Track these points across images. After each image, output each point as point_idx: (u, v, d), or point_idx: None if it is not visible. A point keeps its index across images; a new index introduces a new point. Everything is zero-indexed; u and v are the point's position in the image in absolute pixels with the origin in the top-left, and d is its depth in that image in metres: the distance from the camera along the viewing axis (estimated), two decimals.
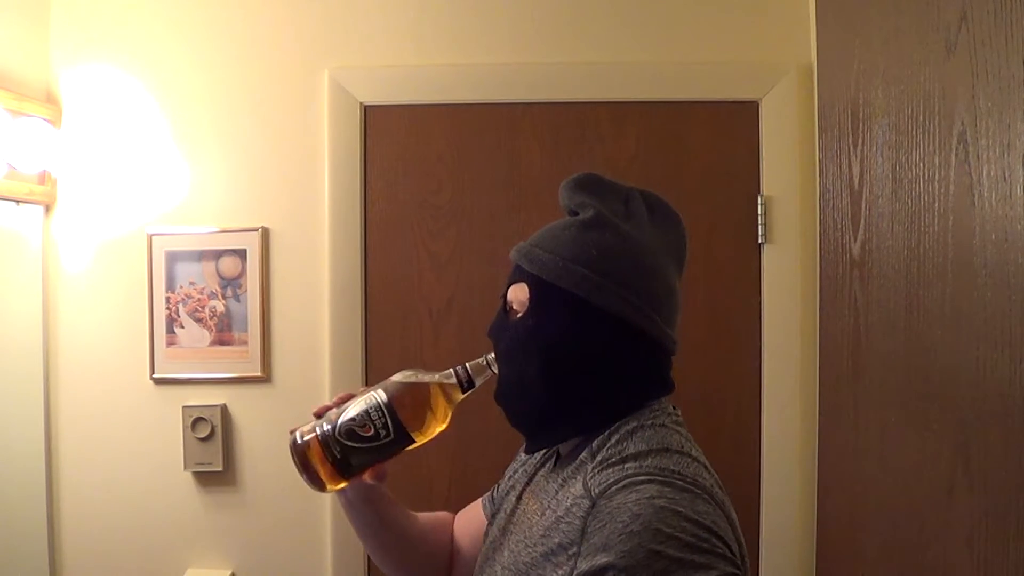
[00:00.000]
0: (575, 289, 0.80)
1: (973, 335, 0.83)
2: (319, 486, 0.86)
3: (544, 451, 0.94)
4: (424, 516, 1.09)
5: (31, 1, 1.55)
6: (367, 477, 0.87)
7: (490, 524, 0.97)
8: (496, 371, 0.87)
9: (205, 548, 1.58)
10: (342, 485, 0.87)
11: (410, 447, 0.86)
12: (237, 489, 1.58)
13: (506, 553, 0.84)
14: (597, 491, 0.74)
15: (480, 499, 1.10)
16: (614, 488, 0.73)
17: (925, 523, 0.94)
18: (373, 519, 0.98)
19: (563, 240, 0.84)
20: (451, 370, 0.87)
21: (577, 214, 0.87)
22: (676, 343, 0.85)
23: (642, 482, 0.73)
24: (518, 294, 0.85)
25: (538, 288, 0.83)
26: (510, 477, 1.00)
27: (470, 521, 1.09)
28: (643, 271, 0.83)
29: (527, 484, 0.93)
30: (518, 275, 0.86)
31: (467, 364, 0.87)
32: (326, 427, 0.85)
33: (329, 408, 0.89)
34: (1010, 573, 0.76)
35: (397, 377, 0.88)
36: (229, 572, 1.56)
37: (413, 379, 0.87)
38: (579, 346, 0.81)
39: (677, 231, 0.90)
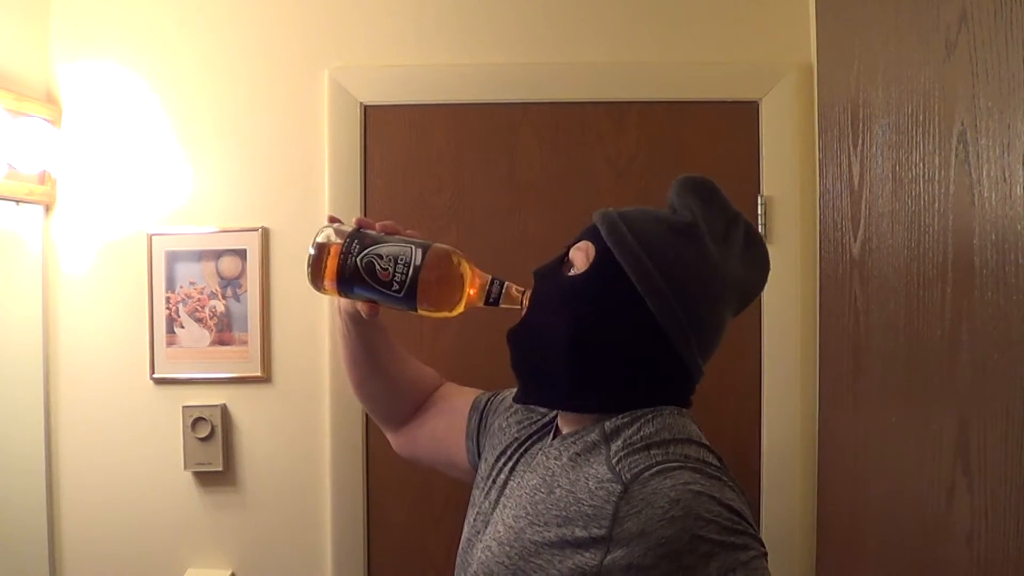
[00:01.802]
0: (636, 282, 0.80)
1: (973, 335, 0.83)
2: (316, 285, 0.87)
3: (541, 424, 0.94)
4: (414, 365, 1.11)
5: (31, 1, 1.55)
6: (360, 306, 0.89)
7: (477, 490, 0.96)
8: (524, 309, 0.85)
9: (205, 548, 1.58)
10: (335, 296, 0.90)
11: (408, 311, 0.86)
12: (237, 489, 1.58)
13: (501, 528, 0.82)
14: (629, 476, 0.74)
15: (476, 392, 1.09)
16: (647, 474, 0.73)
17: (925, 522, 0.94)
18: (356, 336, 1.00)
19: (649, 231, 0.82)
20: (489, 277, 0.86)
21: (676, 212, 0.86)
22: (703, 374, 0.85)
23: (674, 468, 0.73)
24: (582, 253, 0.84)
25: (603, 259, 0.82)
26: (501, 430, 0.98)
27: (453, 403, 1.10)
28: (706, 298, 0.82)
29: (521, 455, 0.91)
30: (591, 237, 0.84)
31: (504, 284, 0.85)
32: (355, 246, 0.85)
33: (371, 228, 0.89)
34: (1010, 573, 0.76)
35: (440, 250, 0.86)
36: (229, 572, 1.57)
37: (453, 264, 0.86)
38: (611, 333, 0.81)
39: (760, 275, 0.89)
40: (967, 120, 0.83)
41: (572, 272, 0.84)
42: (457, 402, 1.09)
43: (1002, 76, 0.77)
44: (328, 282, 0.86)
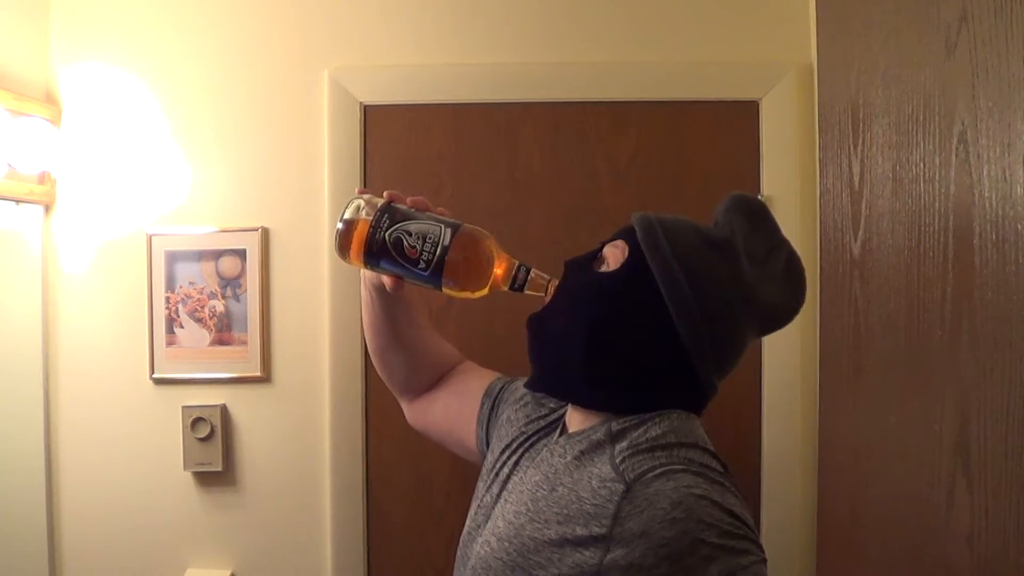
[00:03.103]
0: (664, 289, 0.79)
1: (973, 335, 0.83)
2: (343, 256, 0.88)
3: (549, 420, 0.93)
4: (435, 339, 1.12)
5: (31, 1, 1.55)
6: (385, 280, 0.89)
7: (481, 482, 0.96)
8: (548, 298, 0.85)
9: (205, 548, 1.58)
10: (360, 267, 0.90)
11: (432, 289, 0.86)
12: (237, 489, 1.58)
13: (501, 524, 0.82)
14: (632, 476, 0.74)
15: (493, 376, 1.09)
16: (650, 475, 0.73)
17: (925, 523, 0.94)
18: (379, 307, 1.01)
19: (684, 240, 0.82)
20: (517, 263, 0.86)
21: (717, 226, 0.86)
22: (716, 391, 0.85)
23: (677, 471, 0.74)
24: (615, 252, 0.84)
25: (634, 262, 0.81)
26: (509, 422, 0.97)
27: (468, 384, 1.10)
28: (730, 317, 0.81)
29: (526, 450, 0.91)
30: (627, 238, 0.84)
31: (532, 271, 0.85)
32: (385, 221, 0.85)
33: (402, 202, 0.89)
34: (1010, 573, 0.76)
35: (470, 231, 0.86)
36: (229, 572, 1.57)
37: (481, 246, 0.86)
38: (631, 335, 0.80)
39: (792, 305, 0.88)
40: (967, 120, 0.83)
41: (603, 269, 0.84)
42: (472, 384, 1.09)
43: (1002, 76, 0.77)
44: (355, 254, 0.87)
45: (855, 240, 1.15)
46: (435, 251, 0.83)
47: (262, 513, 1.57)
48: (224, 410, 1.57)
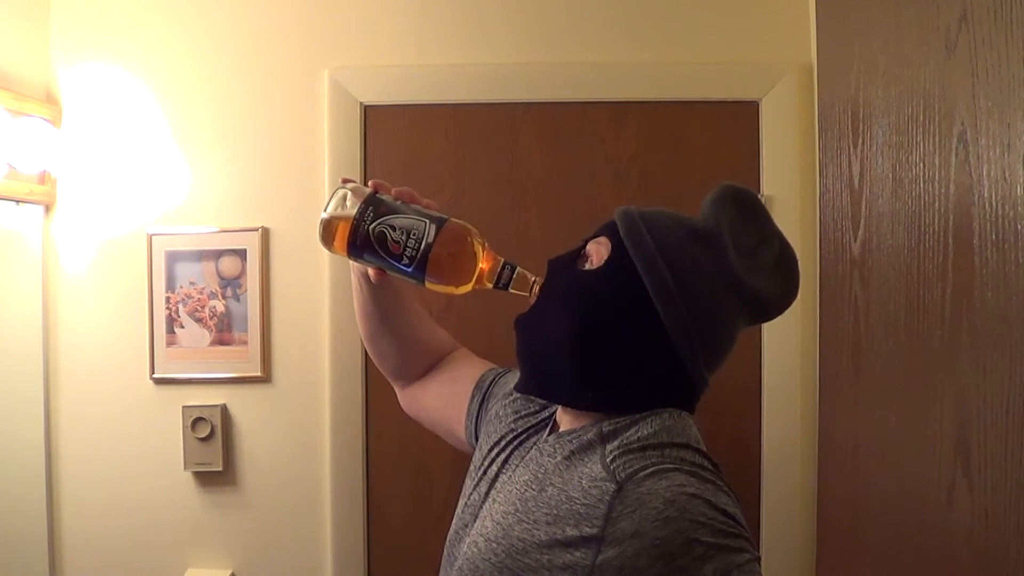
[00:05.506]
0: (649, 284, 0.78)
1: (973, 335, 0.83)
2: (327, 246, 0.87)
3: (539, 418, 0.93)
4: (428, 325, 1.10)
5: (31, 1, 1.55)
6: (369, 271, 0.89)
7: (469, 479, 0.95)
8: (533, 298, 0.84)
9: (205, 548, 1.58)
10: (345, 257, 0.89)
11: (415, 283, 0.86)
12: (237, 489, 1.58)
13: (489, 524, 0.81)
14: (623, 475, 0.73)
15: (485, 367, 1.08)
16: (642, 474, 0.72)
17: (925, 523, 0.94)
18: (368, 294, 1.00)
19: (668, 234, 0.81)
20: (502, 261, 0.85)
21: (703, 217, 0.84)
22: (707, 385, 0.84)
23: (669, 470, 0.73)
24: (598, 249, 0.82)
25: (617, 258, 0.80)
26: (498, 418, 0.96)
27: (460, 374, 1.08)
28: (717, 310, 0.81)
29: (515, 448, 0.90)
30: (609, 233, 0.83)
31: (518, 270, 0.84)
32: (369, 213, 0.84)
33: (388, 192, 0.88)
34: (1010, 573, 0.76)
35: (455, 227, 0.85)
36: (229, 572, 1.56)
37: (466, 243, 0.85)
38: (618, 333, 0.79)
39: (783, 297, 0.87)
40: (967, 120, 0.83)
41: (587, 266, 0.83)
42: (464, 374, 1.08)
43: (1002, 76, 0.77)
44: (339, 245, 0.86)
45: (855, 240, 1.15)
46: (419, 247, 0.82)
47: (262, 513, 1.57)
48: (224, 410, 1.57)
